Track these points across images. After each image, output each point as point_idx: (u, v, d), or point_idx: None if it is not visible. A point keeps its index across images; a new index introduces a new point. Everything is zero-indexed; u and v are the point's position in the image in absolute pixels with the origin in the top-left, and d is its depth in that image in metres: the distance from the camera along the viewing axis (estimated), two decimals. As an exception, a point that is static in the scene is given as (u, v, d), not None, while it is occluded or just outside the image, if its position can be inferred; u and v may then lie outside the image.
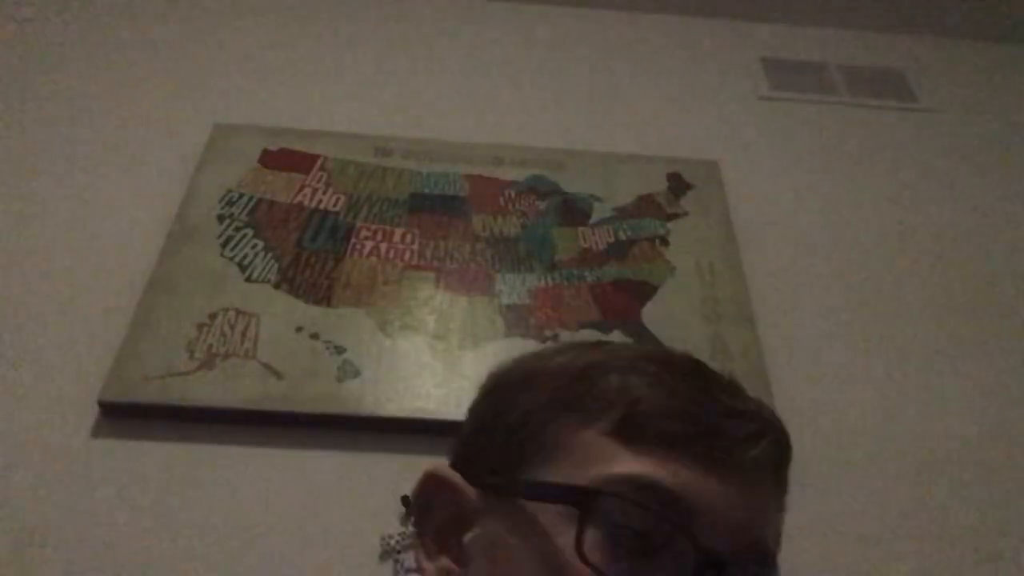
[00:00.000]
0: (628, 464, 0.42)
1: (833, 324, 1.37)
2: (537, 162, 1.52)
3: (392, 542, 1.04)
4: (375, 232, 1.38)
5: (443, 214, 1.42)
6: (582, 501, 0.41)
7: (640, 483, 0.41)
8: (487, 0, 1.94)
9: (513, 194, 1.47)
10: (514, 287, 1.32)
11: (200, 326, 1.22)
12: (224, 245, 1.33)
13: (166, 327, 1.21)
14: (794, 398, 1.25)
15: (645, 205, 1.48)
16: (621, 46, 1.88)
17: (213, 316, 1.23)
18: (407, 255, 1.35)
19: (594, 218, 1.44)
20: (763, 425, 0.46)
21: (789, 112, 1.75)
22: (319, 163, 1.48)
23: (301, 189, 1.43)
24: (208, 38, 1.75)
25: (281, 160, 1.48)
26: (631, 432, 0.43)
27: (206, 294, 1.25)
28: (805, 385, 1.28)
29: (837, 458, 1.21)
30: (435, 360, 1.22)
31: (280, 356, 1.19)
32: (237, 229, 1.35)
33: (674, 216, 1.46)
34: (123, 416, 1.14)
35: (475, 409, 0.52)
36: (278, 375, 1.17)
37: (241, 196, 1.41)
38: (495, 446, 0.48)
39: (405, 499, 1.05)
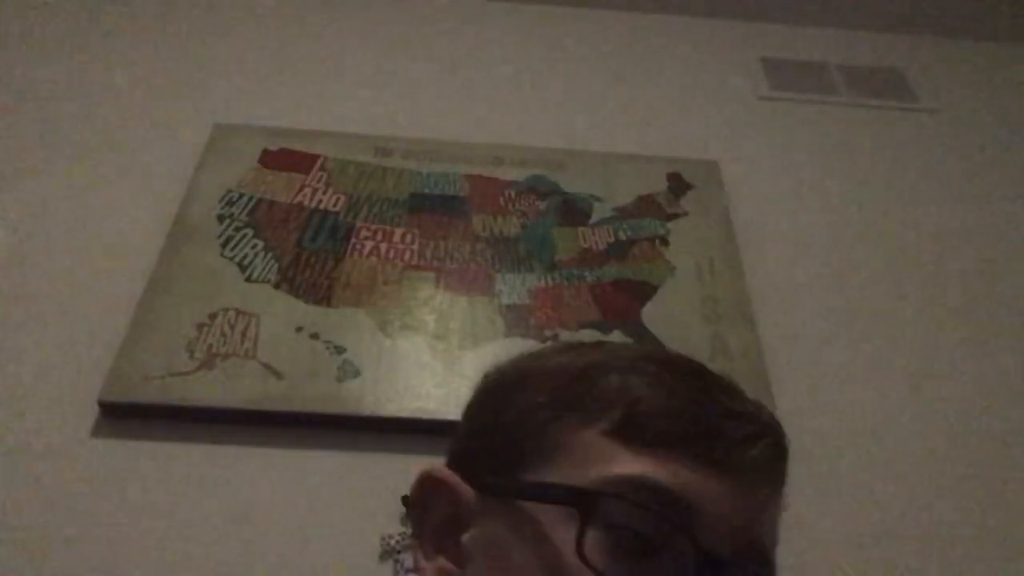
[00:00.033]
0: (628, 465, 0.42)
1: (833, 324, 1.37)
2: (537, 162, 1.52)
3: (392, 542, 1.04)
4: (375, 232, 1.38)
5: (443, 214, 1.42)
6: (582, 502, 0.41)
7: (640, 484, 0.41)
8: (487, 0, 1.94)
9: (513, 194, 1.47)
10: (514, 287, 1.32)
11: (200, 326, 1.22)
12: (224, 245, 1.33)
13: (166, 327, 1.21)
14: (794, 398, 1.25)
15: (645, 205, 1.48)
16: (621, 46, 1.88)
17: (213, 316, 1.23)
18: (407, 255, 1.35)
19: (594, 218, 1.44)
20: (762, 426, 0.46)
21: (789, 112, 1.75)
22: (319, 163, 1.48)
23: (301, 189, 1.43)
24: (208, 38, 1.75)
25: (281, 160, 1.48)
26: (631, 432, 0.43)
27: (206, 294, 1.25)
28: (805, 385, 1.28)
29: (837, 458, 1.21)
30: (435, 360, 1.22)
31: (280, 356, 1.19)
32: (237, 229, 1.35)
33: (674, 216, 1.46)
34: (123, 416, 1.14)
35: (472, 409, 0.52)
36: (278, 375, 1.17)
37: (241, 196, 1.41)
38: (493, 446, 0.48)
39: (405, 499, 1.05)
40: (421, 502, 0.49)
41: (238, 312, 1.24)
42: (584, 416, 0.45)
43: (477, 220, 1.42)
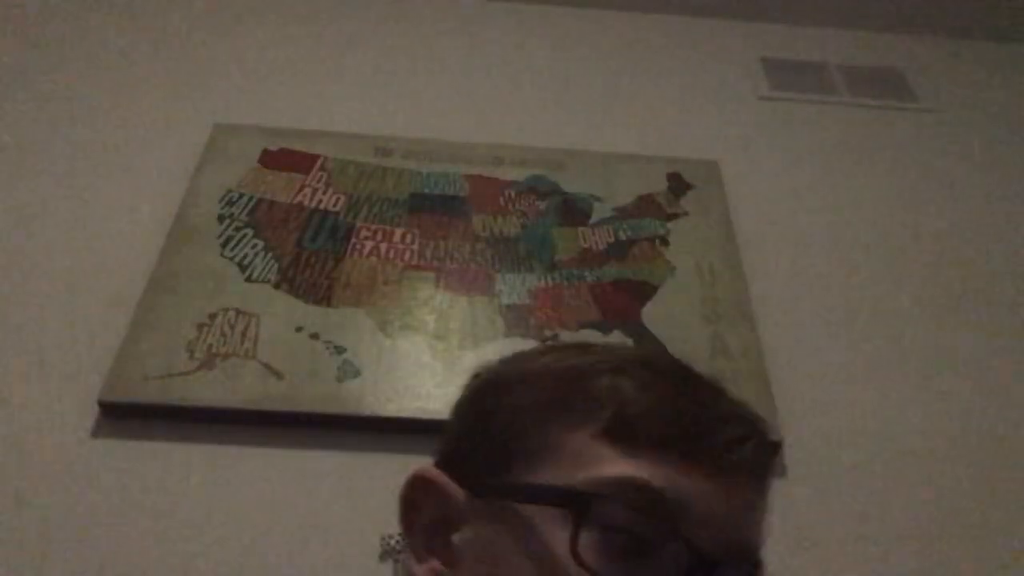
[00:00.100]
0: (619, 466, 0.43)
1: (833, 324, 1.37)
2: (537, 162, 1.52)
3: (392, 542, 1.04)
4: (375, 232, 1.38)
5: (443, 214, 1.42)
6: (576, 503, 0.42)
7: (632, 485, 0.42)
8: (487, 0, 1.94)
9: (513, 194, 1.47)
10: (514, 287, 1.32)
11: (200, 326, 1.22)
12: (224, 245, 1.33)
13: (166, 327, 1.21)
14: (794, 398, 1.25)
15: (645, 205, 1.48)
16: (621, 46, 1.88)
17: (213, 316, 1.23)
18: (407, 255, 1.35)
19: (594, 218, 1.44)
20: (749, 427, 0.47)
21: (789, 112, 1.75)
22: (319, 163, 1.48)
23: (301, 189, 1.43)
24: (208, 38, 1.75)
25: (281, 160, 1.48)
26: (621, 434, 0.44)
27: (206, 294, 1.25)
28: (805, 385, 1.28)
29: (837, 458, 1.21)
30: (435, 360, 1.22)
31: (280, 356, 1.19)
32: (237, 229, 1.35)
33: (674, 216, 1.46)
34: (123, 416, 1.14)
35: (462, 409, 0.52)
36: (278, 375, 1.17)
37: (241, 196, 1.41)
38: (484, 447, 0.48)
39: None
40: (411, 503, 0.49)
41: (238, 312, 1.24)
42: (574, 418, 0.45)
43: (477, 220, 1.42)
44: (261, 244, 1.34)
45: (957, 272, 1.47)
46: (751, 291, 1.35)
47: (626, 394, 0.45)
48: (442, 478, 0.48)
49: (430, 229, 1.39)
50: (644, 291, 1.34)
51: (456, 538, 0.47)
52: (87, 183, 1.44)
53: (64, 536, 1.03)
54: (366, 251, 1.35)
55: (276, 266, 1.31)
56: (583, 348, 0.50)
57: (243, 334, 1.21)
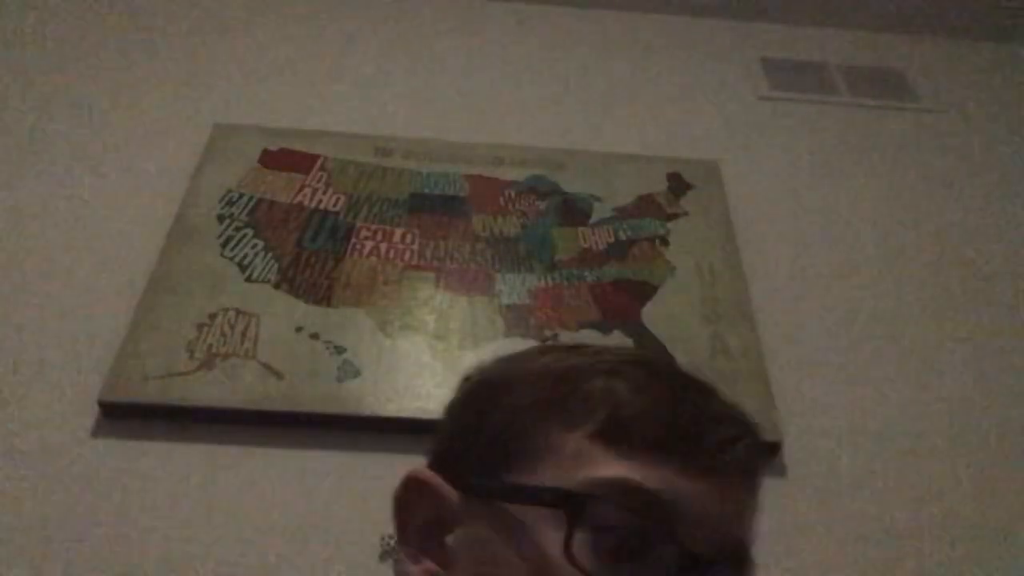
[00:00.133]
0: (613, 468, 0.43)
1: (833, 324, 1.37)
2: (537, 162, 1.52)
3: (392, 542, 1.04)
4: (375, 232, 1.38)
5: (443, 214, 1.42)
6: (570, 504, 0.42)
7: (625, 487, 0.42)
8: (487, 0, 1.94)
9: (513, 194, 1.47)
10: (514, 287, 1.32)
11: (200, 326, 1.22)
12: (224, 245, 1.33)
13: (166, 327, 1.21)
14: (794, 398, 1.25)
15: (645, 205, 1.48)
16: (621, 46, 1.88)
17: (213, 316, 1.23)
18: (407, 255, 1.35)
19: (594, 218, 1.44)
20: (741, 428, 0.47)
21: (789, 112, 1.75)
22: (319, 163, 1.48)
23: (301, 189, 1.43)
24: (208, 38, 1.75)
25: (281, 160, 1.48)
26: (615, 436, 0.44)
27: (206, 294, 1.25)
28: (805, 385, 1.28)
29: (837, 458, 1.21)
30: (435, 360, 1.22)
31: (280, 356, 1.19)
32: (237, 229, 1.35)
33: (674, 216, 1.46)
34: (123, 416, 1.14)
35: (455, 410, 0.52)
36: (278, 375, 1.17)
37: (241, 196, 1.41)
38: (478, 447, 0.48)
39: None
40: (405, 504, 0.49)
41: (238, 312, 1.24)
42: (568, 419, 0.45)
43: (477, 220, 1.42)
44: (261, 244, 1.34)
45: (957, 272, 1.47)
46: (751, 291, 1.35)
47: (620, 396, 0.45)
48: (436, 479, 0.49)
49: (430, 229, 1.39)
50: (644, 291, 1.34)
51: (450, 539, 0.47)
52: (87, 183, 1.44)
53: (64, 536, 1.03)
54: (366, 251, 1.35)
55: (276, 266, 1.31)
56: (577, 349, 0.51)
57: (243, 334, 1.21)
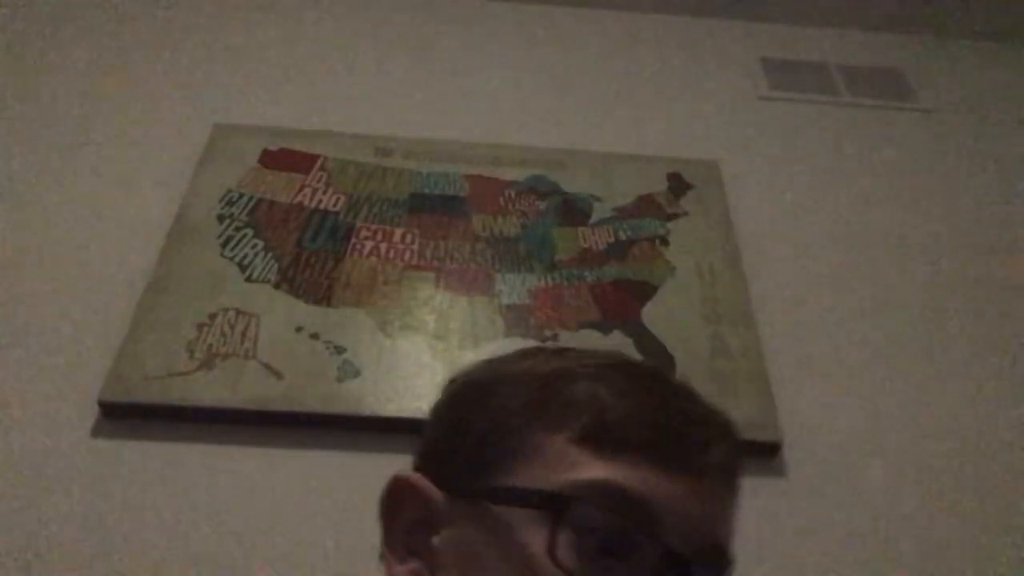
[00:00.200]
0: (596, 470, 0.44)
1: (833, 324, 1.37)
2: (537, 162, 1.52)
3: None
4: (375, 232, 1.38)
5: (443, 214, 1.42)
6: (554, 506, 0.43)
7: (608, 489, 0.43)
8: (487, 0, 1.94)
9: (513, 194, 1.47)
10: (514, 287, 1.32)
11: (200, 326, 1.22)
12: (224, 245, 1.33)
13: (166, 327, 1.21)
14: (794, 398, 1.25)
15: (645, 205, 1.48)
16: (621, 46, 1.88)
17: (213, 316, 1.23)
18: (407, 255, 1.35)
19: (594, 218, 1.44)
20: (719, 430, 0.48)
21: (789, 112, 1.75)
22: (319, 163, 1.48)
23: (301, 189, 1.43)
24: (208, 38, 1.75)
25: (281, 160, 1.48)
26: (598, 439, 0.45)
27: (206, 294, 1.25)
28: (805, 385, 1.28)
29: (837, 458, 1.21)
30: (435, 360, 1.22)
31: (280, 356, 1.19)
32: (237, 229, 1.35)
33: (674, 216, 1.46)
34: (123, 416, 1.14)
35: (441, 412, 0.54)
36: (278, 375, 1.17)
37: (241, 196, 1.41)
38: (463, 450, 0.49)
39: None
40: (392, 505, 0.50)
41: (238, 312, 1.24)
42: (552, 422, 0.46)
43: (477, 220, 1.42)
44: (261, 244, 1.34)
45: (957, 272, 1.47)
46: (751, 291, 1.35)
47: (602, 399, 0.46)
48: (422, 481, 0.49)
49: (430, 229, 1.39)
50: (644, 291, 1.34)
51: (436, 540, 0.48)
52: (87, 183, 1.44)
53: (64, 536, 1.03)
54: (366, 251, 1.35)
55: (276, 266, 1.31)
56: (561, 353, 0.52)
57: (243, 334, 1.21)
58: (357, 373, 1.19)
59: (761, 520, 1.12)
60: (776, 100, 1.78)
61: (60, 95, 1.59)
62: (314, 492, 1.10)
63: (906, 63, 1.90)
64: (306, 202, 1.41)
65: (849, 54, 1.91)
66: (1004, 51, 1.98)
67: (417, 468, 0.52)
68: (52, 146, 1.50)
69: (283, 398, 1.15)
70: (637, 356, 1.24)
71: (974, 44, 1.99)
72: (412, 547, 0.49)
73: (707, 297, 1.34)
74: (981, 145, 1.73)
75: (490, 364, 0.53)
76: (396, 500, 0.50)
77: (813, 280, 1.43)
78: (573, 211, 1.45)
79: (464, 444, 0.49)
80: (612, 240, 1.41)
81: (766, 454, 1.18)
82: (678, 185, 1.52)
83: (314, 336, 1.22)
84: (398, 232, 1.38)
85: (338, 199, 1.42)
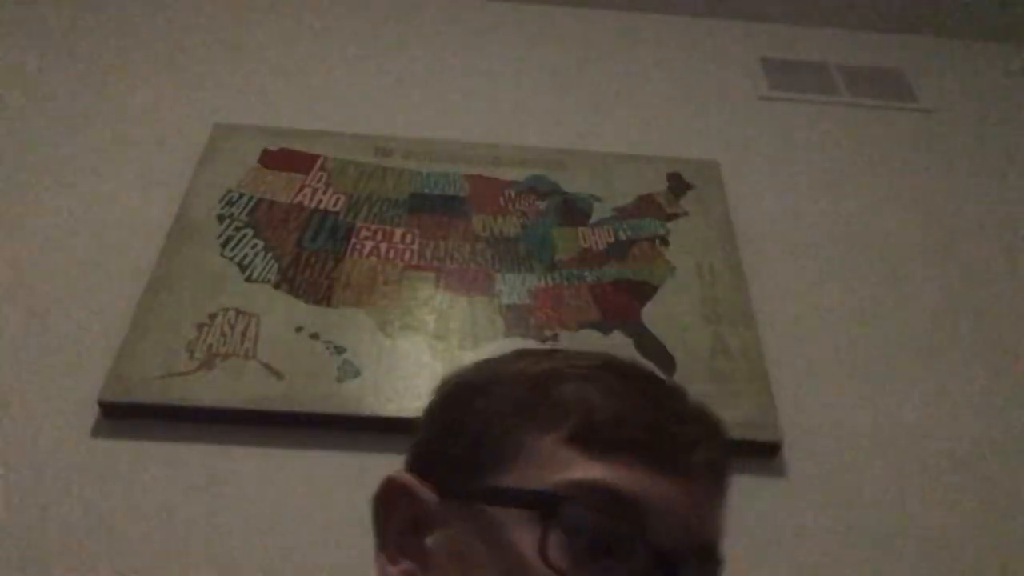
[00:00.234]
0: (586, 470, 0.44)
1: (833, 324, 1.37)
2: (537, 162, 1.52)
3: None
4: (375, 232, 1.38)
5: (443, 214, 1.42)
6: (545, 506, 0.43)
7: (598, 488, 0.44)
8: (487, 0, 1.94)
9: (513, 194, 1.47)
10: (514, 287, 1.32)
11: (200, 326, 1.22)
12: (224, 245, 1.33)
13: (166, 327, 1.21)
14: (794, 398, 1.25)
15: (645, 205, 1.48)
16: (621, 46, 1.88)
17: (213, 316, 1.23)
18: (407, 255, 1.35)
19: (594, 218, 1.44)
20: (707, 430, 0.49)
21: (789, 112, 1.75)
22: (319, 163, 1.48)
23: (301, 189, 1.43)
24: (208, 38, 1.75)
25: (281, 160, 1.48)
26: (588, 439, 0.45)
27: (206, 294, 1.25)
28: (805, 385, 1.28)
29: (837, 458, 1.21)
30: (435, 360, 1.22)
31: (280, 356, 1.19)
32: (237, 229, 1.35)
33: (674, 216, 1.46)
34: (123, 416, 1.14)
35: (433, 414, 0.54)
36: (278, 375, 1.17)
37: (241, 196, 1.41)
38: (455, 451, 0.49)
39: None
40: (385, 506, 0.51)
41: (238, 312, 1.24)
42: (543, 423, 0.47)
43: (477, 220, 1.42)
44: (261, 244, 1.34)
45: (957, 272, 1.47)
46: (751, 291, 1.35)
47: (592, 400, 0.47)
48: (414, 482, 0.50)
49: (430, 229, 1.39)
50: (644, 291, 1.34)
51: (429, 540, 0.48)
52: (87, 183, 1.44)
53: (64, 536, 1.03)
54: (366, 251, 1.35)
55: (276, 266, 1.31)
56: (551, 354, 0.53)
57: (243, 334, 1.21)
58: (357, 373, 1.19)
59: (761, 520, 1.12)
60: (776, 100, 1.78)
61: (60, 95, 1.59)
62: (314, 492, 1.10)
63: (906, 63, 1.90)
64: (306, 202, 1.41)
65: (849, 54, 1.91)
66: (1004, 51, 1.98)
67: (410, 469, 0.52)
68: (52, 146, 1.50)
69: (283, 398, 1.15)
70: (637, 356, 1.25)
71: (974, 44, 1.99)
72: (405, 548, 0.49)
73: (707, 297, 1.34)
74: (981, 145, 1.73)
75: (481, 366, 0.54)
76: (389, 501, 0.51)
77: (813, 280, 1.43)
78: (573, 211, 1.45)
79: (456, 445, 0.49)
80: (612, 240, 1.41)
81: (766, 454, 1.18)
82: (678, 185, 1.52)
83: (314, 336, 1.22)
84: (398, 232, 1.38)
85: (338, 199, 1.42)
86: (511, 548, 0.44)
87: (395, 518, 0.50)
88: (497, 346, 1.23)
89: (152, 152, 1.50)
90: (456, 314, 1.28)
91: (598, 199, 1.47)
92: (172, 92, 1.62)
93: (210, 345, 1.19)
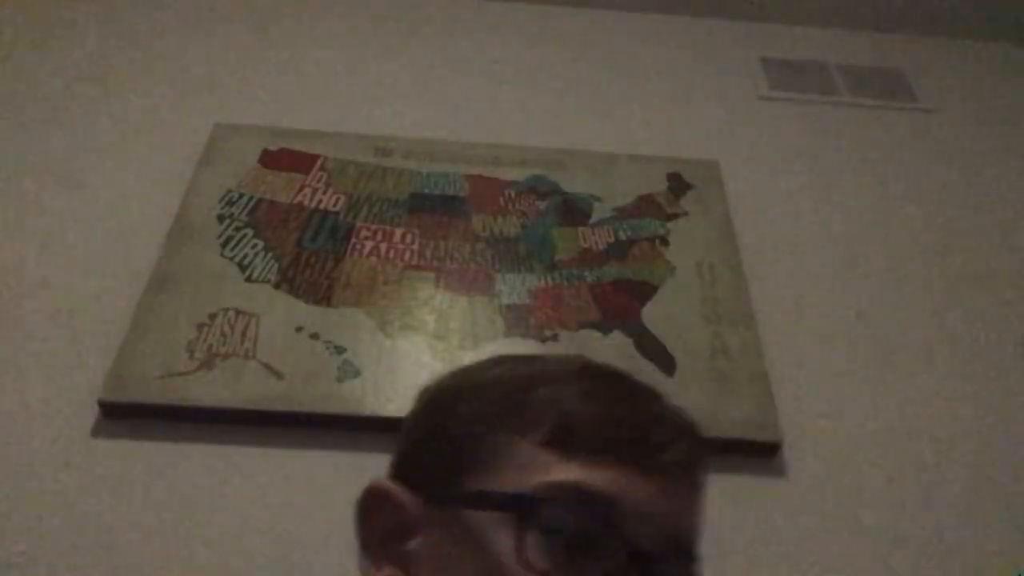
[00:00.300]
0: (562, 472, 0.45)
1: (833, 324, 1.37)
2: (537, 162, 1.52)
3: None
4: (375, 232, 1.38)
5: (443, 214, 1.42)
6: (521, 508, 0.44)
7: (573, 489, 0.45)
8: (487, 0, 1.94)
9: (513, 194, 1.47)
10: (514, 287, 1.32)
11: (200, 326, 1.22)
12: (224, 245, 1.33)
13: (166, 327, 1.21)
14: (794, 398, 1.25)
15: (645, 205, 1.48)
16: (621, 46, 1.88)
17: (213, 316, 1.23)
18: (407, 255, 1.35)
19: (594, 218, 1.44)
20: (681, 429, 0.50)
21: (789, 112, 1.75)
22: (319, 163, 1.48)
23: (301, 189, 1.43)
24: (208, 38, 1.75)
25: (281, 160, 1.48)
26: (564, 442, 0.46)
27: (206, 294, 1.25)
28: (805, 385, 1.28)
29: (837, 458, 1.21)
30: (435, 360, 1.22)
31: (280, 356, 1.19)
32: (237, 229, 1.35)
33: (674, 216, 1.46)
34: (123, 416, 1.14)
35: (414, 421, 0.55)
36: (278, 375, 1.17)
37: (241, 196, 1.41)
38: (435, 457, 0.50)
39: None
40: (367, 512, 0.51)
41: (238, 312, 1.24)
42: (520, 427, 0.48)
43: (477, 220, 1.42)
44: (261, 244, 1.34)
45: (957, 272, 1.47)
46: (751, 291, 1.35)
47: (567, 404, 0.48)
48: (396, 489, 0.51)
49: (430, 229, 1.39)
50: (644, 291, 1.34)
51: (411, 545, 0.49)
52: (87, 183, 1.44)
53: (64, 536, 1.03)
54: (366, 251, 1.35)
55: (276, 266, 1.31)
56: (529, 360, 0.54)
57: (243, 334, 1.21)
58: (357, 373, 1.19)
59: (761, 520, 1.12)
60: (776, 100, 1.78)
61: (60, 95, 1.59)
62: (314, 492, 1.10)
63: (906, 63, 1.90)
64: (306, 202, 1.41)
65: (849, 54, 1.91)
66: (1004, 51, 1.98)
67: (392, 476, 0.53)
68: (52, 146, 1.50)
69: (283, 398, 1.15)
70: (637, 356, 1.25)
71: (974, 44, 1.99)
72: (388, 554, 0.50)
73: (707, 297, 1.34)
74: (981, 145, 1.73)
75: (461, 372, 0.55)
76: (371, 508, 0.51)
77: (813, 280, 1.43)
78: (573, 211, 1.45)
79: (435, 451, 0.51)
80: (612, 240, 1.41)
81: (766, 454, 1.18)
82: (678, 185, 1.52)
83: (314, 336, 1.22)
84: (398, 232, 1.38)
85: (338, 199, 1.42)
86: (490, 550, 0.44)
87: (378, 524, 0.51)
88: (497, 346, 1.24)
89: (152, 152, 1.50)
90: (456, 314, 1.28)
91: (598, 199, 1.47)
92: (172, 92, 1.62)
93: (210, 345, 1.19)
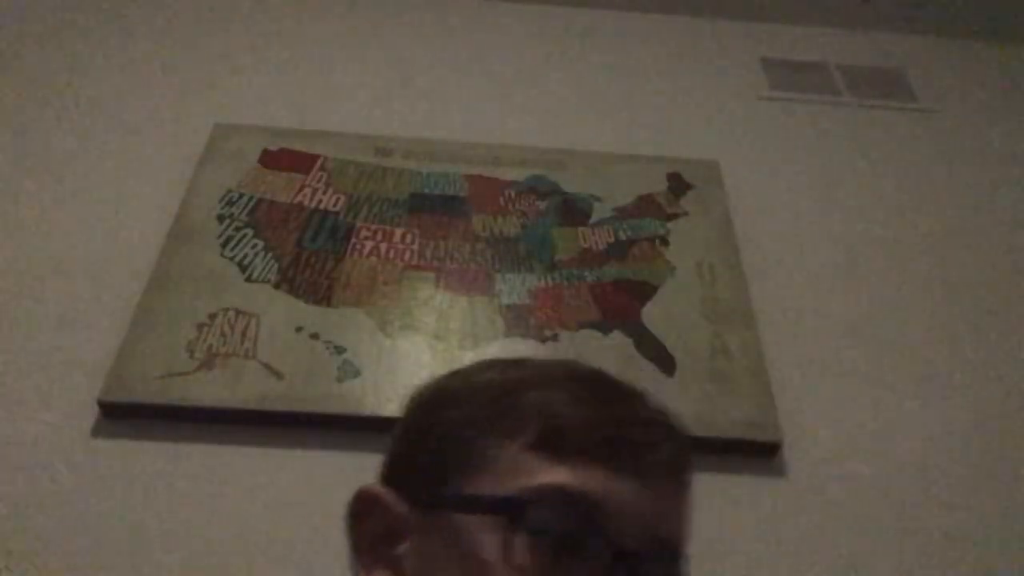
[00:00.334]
0: (548, 475, 0.46)
1: (833, 324, 1.37)
2: (537, 162, 1.52)
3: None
4: (375, 232, 1.38)
5: (443, 214, 1.42)
6: (507, 511, 0.45)
7: (560, 491, 0.45)
8: (487, 0, 1.94)
9: (513, 194, 1.47)
10: (514, 287, 1.32)
11: (200, 326, 1.22)
12: (224, 245, 1.33)
13: (166, 327, 1.21)
14: (794, 398, 1.25)
15: (645, 205, 1.48)
16: (621, 46, 1.88)
17: (213, 316, 1.23)
18: (407, 255, 1.35)
19: (594, 218, 1.44)
20: (665, 431, 0.50)
21: (789, 112, 1.75)
22: (319, 163, 1.48)
23: (301, 189, 1.43)
24: (208, 38, 1.75)
25: (281, 160, 1.48)
26: (550, 445, 0.47)
27: (206, 294, 1.25)
28: (805, 385, 1.28)
29: (837, 458, 1.21)
30: (435, 360, 1.22)
31: (280, 356, 1.19)
32: (237, 229, 1.35)
33: (674, 216, 1.46)
34: (123, 416, 1.14)
35: (403, 426, 0.56)
36: (278, 375, 1.17)
37: (241, 196, 1.41)
38: (423, 461, 0.51)
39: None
40: (357, 517, 0.52)
41: (238, 312, 1.24)
42: (508, 431, 0.48)
43: (477, 220, 1.42)
44: (261, 244, 1.34)
45: (957, 272, 1.47)
46: (751, 291, 1.35)
47: (554, 407, 0.48)
48: (385, 493, 0.51)
49: (430, 229, 1.39)
50: (644, 291, 1.34)
51: (401, 549, 0.50)
52: (87, 183, 1.44)
53: (64, 536, 1.03)
54: (366, 251, 1.35)
55: (276, 266, 1.31)
56: (518, 364, 0.54)
57: (243, 334, 1.21)
58: (357, 373, 1.19)
59: (761, 520, 1.12)
60: (776, 100, 1.78)
61: (60, 95, 1.59)
62: (314, 492, 1.10)
63: (906, 63, 1.90)
64: (306, 202, 1.41)
65: (849, 54, 1.91)
66: (1004, 51, 1.98)
67: (383, 480, 0.54)
68: (52, 146, 1.50)
69: (283, 398, 1.15)
70: (637, 356, 1.25)
71: (974, 44, 1.99)
72: (379, 558, 0.51)
73: (707, 297, 1.34)
74: (981, 145, 1.73)
75: (450, 377, 0.56)
76: (361, 512, 0.52)
77: (813, 280, 1.43)
78: (573, 211, 1.45)
79: (424, 456, 0.51)
80: (612, 240, 1.41)
81: (766, 454, 1.18)
82: (678, 185, 1.52)
83: (314, 336, 1.22)
84: (398, 232, 1.38)
85: (338, 199, 1.42)
86: (477, 553, 0.45)
87: (368, 529, 0.51)
88: (497, 346, 1.24)
89: (152, 152, 1.50)
90: (456, 314, 1.28)
91: (598, 199, 1.47)
92: (172, 92, 1.63)
93: (210, 345, 1.19)
